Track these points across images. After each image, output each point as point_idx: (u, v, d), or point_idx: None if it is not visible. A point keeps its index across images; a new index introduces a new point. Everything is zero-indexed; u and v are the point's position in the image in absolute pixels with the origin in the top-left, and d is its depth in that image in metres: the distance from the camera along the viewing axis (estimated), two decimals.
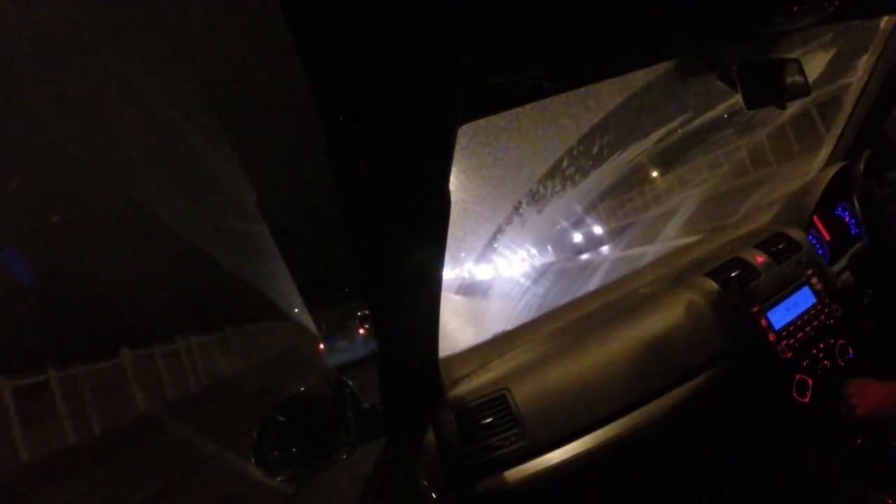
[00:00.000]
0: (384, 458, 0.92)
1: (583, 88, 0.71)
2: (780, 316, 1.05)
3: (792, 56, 1.02)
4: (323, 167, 0.42)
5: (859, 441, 0.96)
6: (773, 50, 1.02)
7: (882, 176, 1.21)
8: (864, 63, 1.24)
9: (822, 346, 1.06)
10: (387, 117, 0.38)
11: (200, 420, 7.74)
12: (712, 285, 1.05)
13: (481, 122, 0.59)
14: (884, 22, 1.16)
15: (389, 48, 0.33)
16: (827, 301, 1.10)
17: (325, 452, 0.83)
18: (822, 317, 1.08)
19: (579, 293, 1.28)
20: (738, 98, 0.96)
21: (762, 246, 1.16)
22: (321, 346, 11.39)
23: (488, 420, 0.90)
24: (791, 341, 1.03)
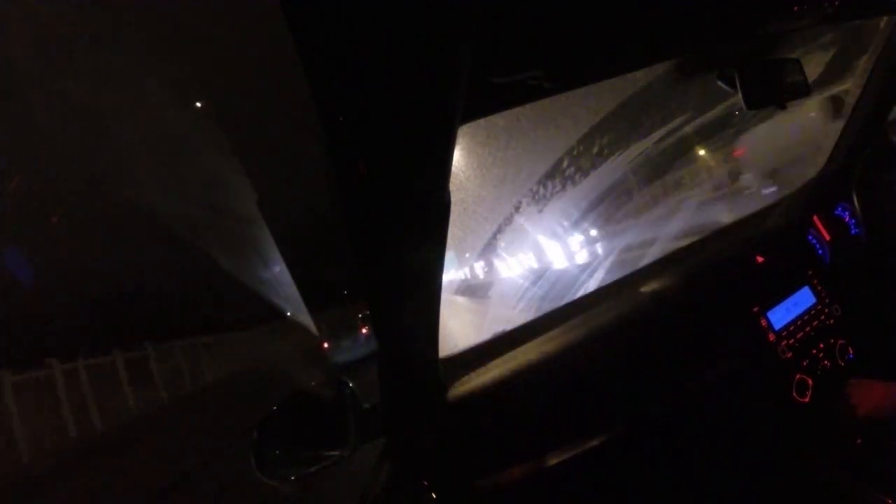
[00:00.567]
0: (384, 458, 0.92)
1: (583, 88, 0.71)
2: (780, 316, 1.05)
3: (792, 56, 1.02)
4: (323, 167, 0.42)
5: (859, 441, 0.96)
6: (773, 50, 1.02)
7: (882, 176, 1.21)
8: (864, 63, 1.24)
9: (822, 346, 1.06)
10: (387, 117, 0.38)
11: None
12: (712, 285, 1.05)
13: (481, 122, 0.59)
14: (884, 22, 1.16)
15: (389, 48, 0.33)
16: (827, 301, 1.10)
17: (325, 452, 0.83)
18: (822, 317, 1.08)
19: (579, 293, 1.28)
20: (738, 98, 0.96)
21: (762, 246, 1.16)
22: (325, 344, 11.42)
23: (488, 420, 0.90)
24: (791, 341, 1.03)
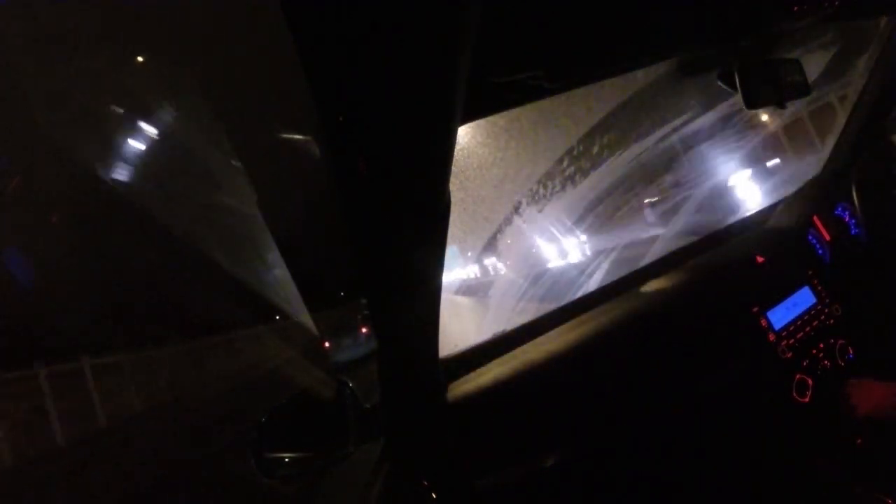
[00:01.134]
0: (384, 458, 0.92)
1: (583, 88, 0.71)
2: (780, 316, 1.05)
3: (792, 56, 1.02)
4: (323, 167, 0.42)
5: (859, 441, 0.96)
6: (773, 50, 1.02)
7: (882, 176, 1.21)
8: (864, 63, 1.24)
9: (822, 346, 1.06)
10: (387, 117, 0.38)
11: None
12: (712, 285, 1.05)
13: (481, 122, 0.59)
14: (884, 22, 1.16)
15: (389, 48, 0.33)
16: (827, 301, 1.10)
17: (325, 452, 0.83)
18: (822, 317, 1.08)
19: (579, 293, 1.28)
20: (738, 98, 0.96)
21: (762, 246, 1.16)
22: (326, 344, 11.44)
23: (488, 420, 0.90)
24: (791, 341, 1.03)
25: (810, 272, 1.12)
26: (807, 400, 1.00)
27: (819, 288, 1.11)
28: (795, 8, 0.75)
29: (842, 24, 1.09)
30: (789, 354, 1.02)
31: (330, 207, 0.47)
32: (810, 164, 1.45)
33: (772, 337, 1.02)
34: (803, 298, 1.09)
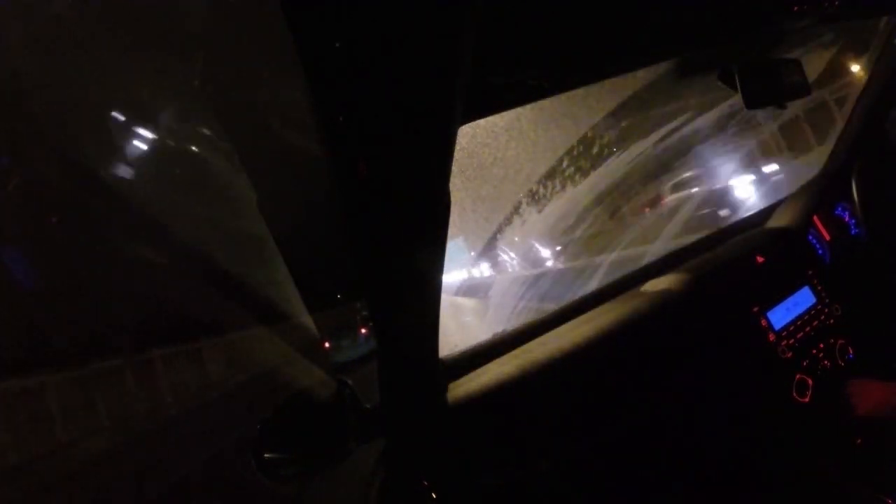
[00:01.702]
0: (384, 458, 0.92)
1: (583, 88, 0.71)
2: (780, 316, 1.05)
3: (792, 56, 1.02)
4: (323, 167, 0.42)
5: (859, 441, 0.96)
6: (773, 50, 1.02)
7: (882, 176, 1.21)
8: (864, 63, 1.24)
9: (822, 346, 1.06)
10: (387, 117, 0.38)
11: None
12: (712, 285, 1.05)
13: (481, 122, 0.59)
14: (884, 22, 1.16)
15: (389, 48, 0.33)
16: (827, 301, 1.10)
17: (325, 452, 0.83)
18: (822, 317, 1.08)
19: (579, 293, 1.28)
20: (737, 98, 0.96)
21: (762, 246, 1.16)
22: (326, 344, 11.45)
23: (488, 420, 0.89)
24: (791, 341, 1.03)
25: (810, 272, 1.12)
26: (807, 400, 1.00)
27: (819, 288, 1.11)
28: (795, 8, 0.75)
29: (842, 24, 1.09)
30: (789, 354, 1.02)
31: (330, 207, 0.47)
32: (810, 164, 1.45)
33: (772, 337, 1.02)
34: (803, 298, 1.09)
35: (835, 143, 1.33)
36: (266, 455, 0.80)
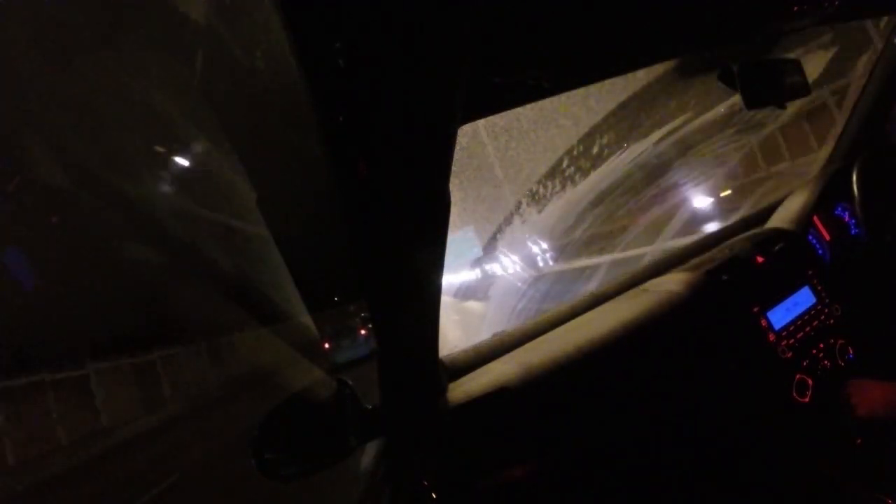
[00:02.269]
0: (384, 458, 0.92)
1: (583, 88, 0.71)
2: (780, 316, 1.05)
3: (792, 56, 1.02)
4: (323, 167, 0.42)
5: (859, 441, 0.96)
6: (773, 50, 1.02)
7: (882, 176, 1.21)
8: (864, 63, 1.24)
9: (822, 346, 1.06)
10: (387, 117, 0.38)
11: None
12: (712, 285, 1.05)
13: (481, 122, 0.59)
14: (884, 22, 1.16)
15: (389, 48, 0.33)
16: (827, 301, 1.10)
17: (325, 452, 0.83)
18: (822, 317, 1.08)
19: (579, 293, 1.28)
20: (738, 98, 0.96)
21: (762, 246, 1.16)
22: (326, 345, 11.46)
23: (488, 420, 0.89)
24: (791, 341, 1.03)
25: (810, 272, 1.12)
26: (807, 400, 1.00)
27: (819, 288, 1.11)
28: (795, 8, 0.75)
29: (842, 24, 1.09)
30: (789, 354, 1.02)
31: (330, 207, 0.47)
32: (809, 164, 1.45)
33: (772, 337, 1.02)
34: (803, 298, 1.09)
35: (835, 142, 1.33)
36: (266, 454, 0.80)
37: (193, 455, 5.84)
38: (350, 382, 0.87)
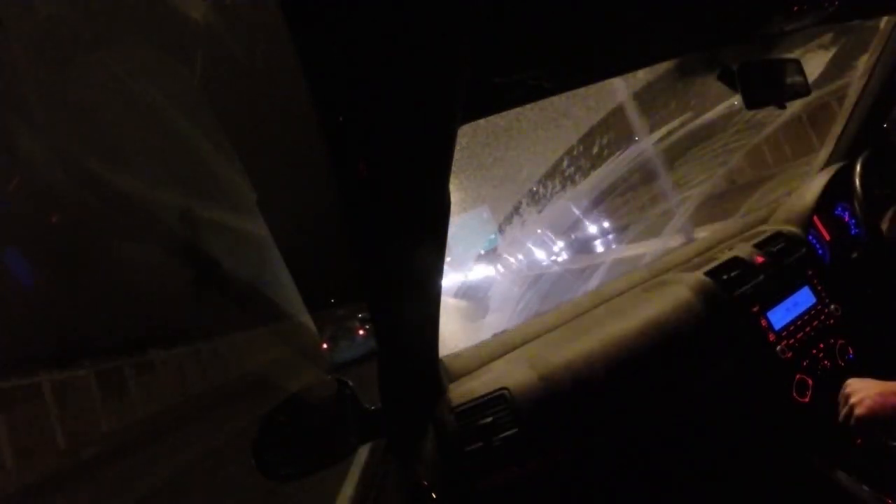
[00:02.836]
0: (384, 458, 0.92)
1: (583, 88, 0.71)
2: (780, 316, 1.05)
3: (792, 56, 1.02)
4: (323, 168, 0.42)
5: (859, 441, 0.96)
6: (773, 50, 1.02)
7: (882, 176, 1.21)
8: (864, 63, 1.24)
9: (822, 346, 1.06)
10: (387, 118, 0.38)
11: None
12: (712, 285, 1.05)
13: (481, 122, 0.59)
14: (884, 22, 1.16)
15: (389, 48, 0.33)
16: (827, 301, 1.10)
17: (325, 452, 0.83)
18: (822, 317, 1.08)
19: (579, 293, 1.28)
20: (738, 98, 0.96)
21: (762, 246, 1.16)
22: (325, 345, 11.47)
23: (488, 420, 0.89)
24: (791, 341, 1.03)
25: (810, 272, 1.12)
26: (807, 400, 1.00)
27: (819, 288, 1.11)
28: (795, 8, 0.75)
29: (842, 24, 1.09)
30: (789, 354, 1.02)
31: (330, 208, 0.47)
32: (809, 164, 1.45)
33: (772, 337, 1.02)
34: (803, 298, 1.09)
35: (835, 143, 1.33)
36: (266, 454, 0.80)
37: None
38: (350, 382, 0.87)
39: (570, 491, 0.89)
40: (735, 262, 1.12)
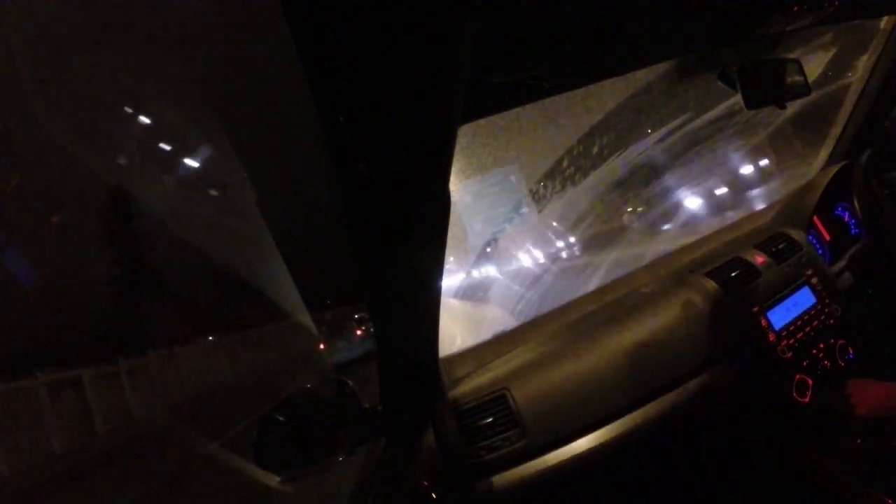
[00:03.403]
0: (384, 458, 0.92)
1: (583, 88, 0.71)
2: (780, 316, 1.05)
3: (792, 56, 1.02)
4: (323, 167, 0.42)
5: (859, 441, 0.96)
6: (773, 50, 1.02)
7: (882, 176, 1.21)
8: (864, 63, 1.24)
9: (822, 346, 1.05)
10: (387, 117, 0.38)
11: None
12: (712, 285, 1.05)
13: (481, 122, 0.59)
14: (884, 22, 1.16)
15: (390, 48, 0.33)
16: (827, 301, 1.10)
17: (325, 452, 0.83)
18: (822, 317, 1.08)
19: (579, 293, 1.28)
20: (738, 98, 0.96)
21: (762, 246, 1.16)
22: (322, 345, 11.46)
23: (488, 420, 0.90)
24: (791, 341, 1.03)
25: (810, 272, 1.12)
26: (807, 400, 1.00)
27: (819, 288, 1.11)
28: (795, 8, 0.75)
29: (842, 24, 1.09)
30: (789, 354, 1.02)
31: (330, 208, 0.47)
32: (809, 164, 1.45)
33: (772, 337, 1.02)
34: (803, 298, 1.09)
35: (834, 143, 1.33)
36: (266, 453, 0.80)
37: None
38: (350, 382, 0.87)
39: (569, 490, 0.89)
40: (735, 262, 1.12)
